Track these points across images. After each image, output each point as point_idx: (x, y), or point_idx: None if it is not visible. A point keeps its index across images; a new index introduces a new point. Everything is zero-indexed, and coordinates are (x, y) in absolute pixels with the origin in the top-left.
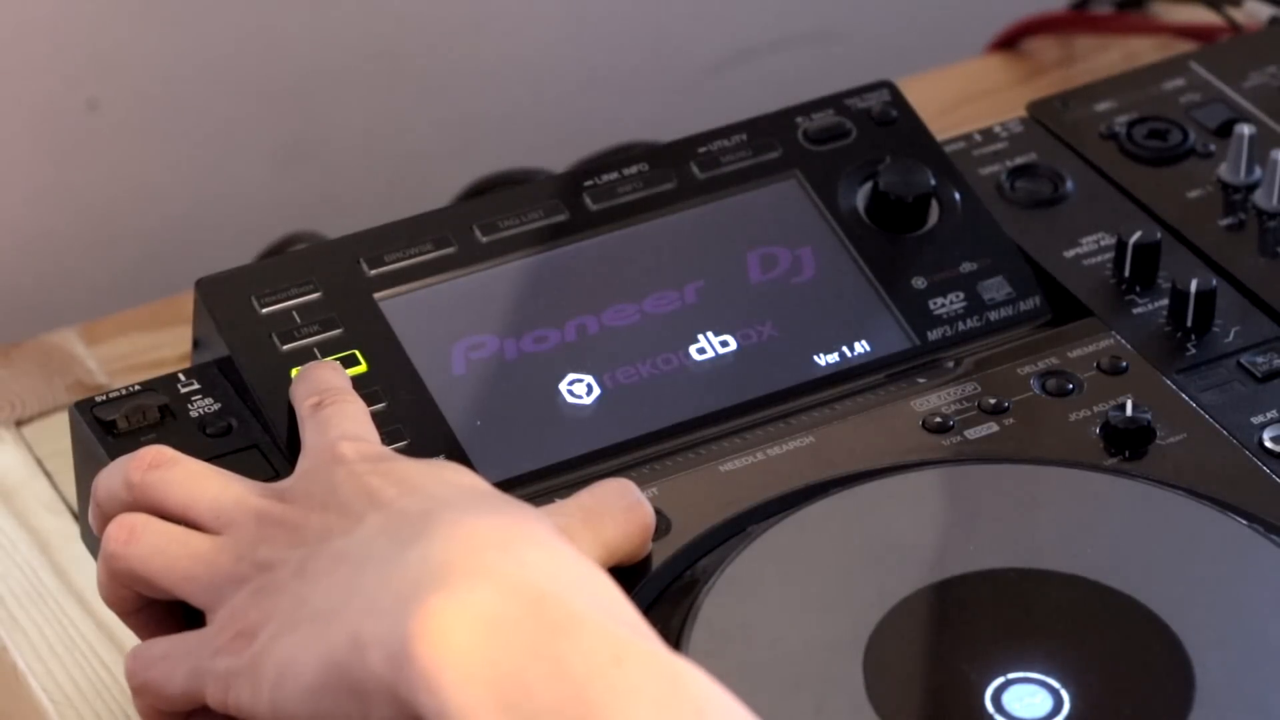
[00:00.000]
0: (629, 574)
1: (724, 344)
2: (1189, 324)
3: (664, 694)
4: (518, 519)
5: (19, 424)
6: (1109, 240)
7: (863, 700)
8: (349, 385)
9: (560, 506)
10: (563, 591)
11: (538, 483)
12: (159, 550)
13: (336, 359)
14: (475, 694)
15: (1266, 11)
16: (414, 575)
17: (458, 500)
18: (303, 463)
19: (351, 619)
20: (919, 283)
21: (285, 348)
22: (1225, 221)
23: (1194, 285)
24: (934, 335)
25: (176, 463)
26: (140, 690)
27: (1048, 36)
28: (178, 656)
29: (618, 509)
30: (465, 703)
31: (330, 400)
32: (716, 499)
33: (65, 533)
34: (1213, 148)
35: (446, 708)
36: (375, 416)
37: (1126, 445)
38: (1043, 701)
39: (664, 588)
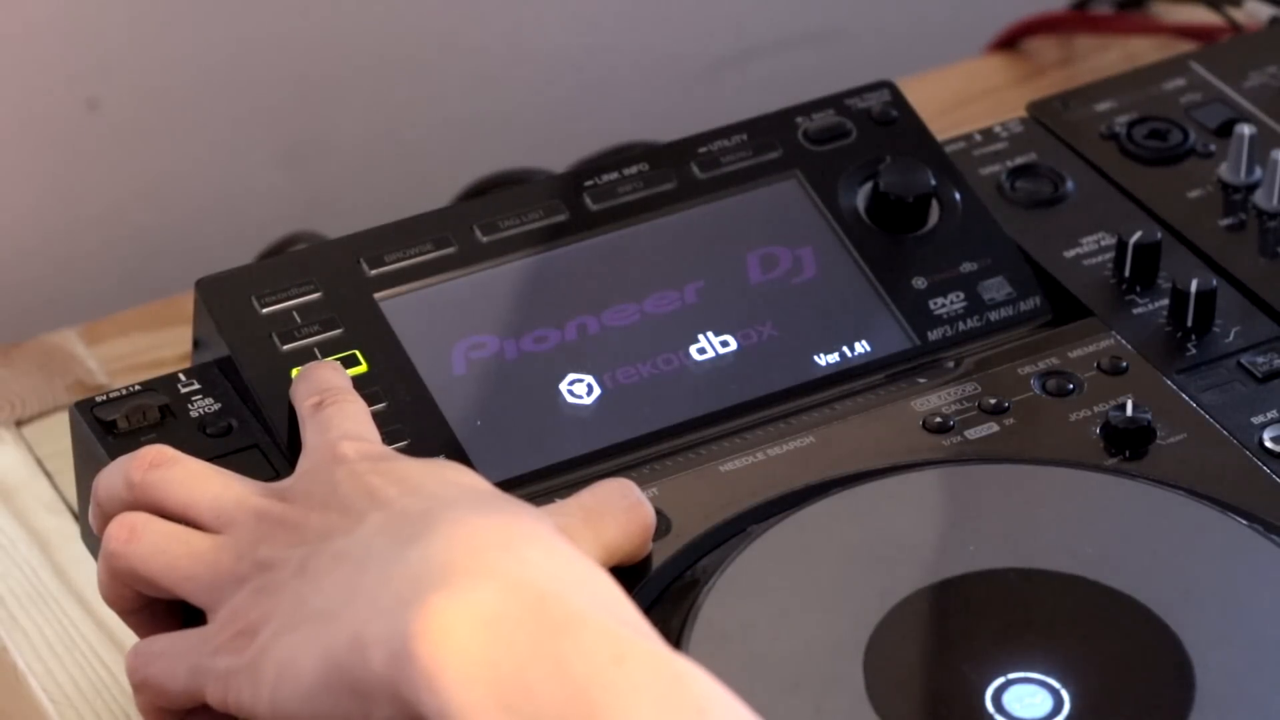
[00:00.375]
0: (629, 574)
1: (724, 344)
2: (1189, 324)
3: (666, 693)
4: (519, 518)
5: (19, 424)
6: (1109, 240)
7: (863, 700)
8: (350, 385)
9: (561, 506)
10: (564, 591)
11: (538, 483)
12: (160, 549)
13: (336, 359)
14: (476, 693)
15: (1266, 11)
16: (415, 574)
17: (459, 499)
18: (303, 462)
19: (353, 618)
20: (919, 283)
21: (285, 348)
22: (1225, 221)
23: (1194, 285)
24: (934, 335)
25: (177, 462)
26: (141, 687)
27: (1048, 36)
28: (178, 654)
29: (618, 509)
30: (466, 702)
31: (331, 400)
32: (716, 499)
33: (65, 533)
34: (1213, 148)
35: (448, 707)
36: (375, 416)
37: (1126, 445)
38: (1043, 701)
39: (664, 588)
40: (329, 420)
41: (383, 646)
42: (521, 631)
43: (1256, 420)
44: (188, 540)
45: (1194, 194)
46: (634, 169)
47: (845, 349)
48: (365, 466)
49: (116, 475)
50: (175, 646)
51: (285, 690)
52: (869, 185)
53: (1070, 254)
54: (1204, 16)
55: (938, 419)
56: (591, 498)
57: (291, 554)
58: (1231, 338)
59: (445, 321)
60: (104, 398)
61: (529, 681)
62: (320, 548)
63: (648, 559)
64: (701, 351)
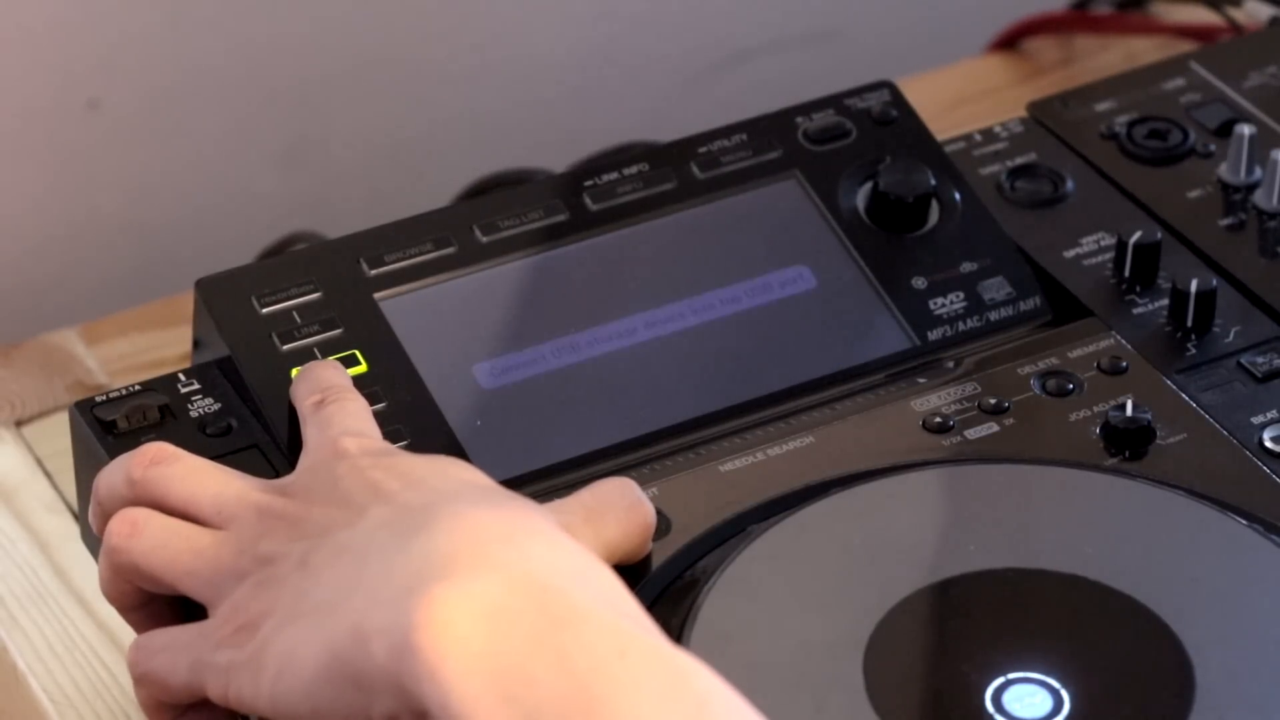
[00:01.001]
0: (629, 573)
1: (724, 344)
2: (1189, 324)
3: (667, 687)
4: (522, 512)
5: (19, 424)
6: (1109, 240)
7: (863, 700)
8: (350, 383)
9: (562, 504)
10: (566, 584)
11: (538, 483)
12: (161, 544)
13: (336, 359)
14: (478, 684)
15: (1266, 11)
16: (417, 566)
17: (461, 494)
18: (304, 459)
19: (354, 610)
20: (919, 283)
21: (285, 348)
22: (1225, 221)
23: (1194, 285)
24: (934, 335)
25: (178, 459)
26: (142, 681)
27: (1048, 36)
28: (180, 648)
29: (619, 507)
30: (468, 693)
31: (332, 398)
32: (716, 499)
33: (65, 533)
34: (1213, 148)
35: (449, 698)
36: (375, 416)
37: (1126, 445)
38: (1043, 701)
39: (664, 588)
40: (330, 417)
41: (384, 637)
42: (524, 624)
43: (1256, 420)
44: (189, 535)
45: (1194, 194)
46: (634, 169)
47: (845, 349)
48: (367, 461)
49: (118, 473)
50: (177, 641)
51: (286, 683)
52: (869, 185)
53: (1070, 254)
54: (1204, 16)
55: (938, 419)
56: (592, 496)
57: (292, 548)
58: (1231, 338)
59: (445, 321)
60: (104, 398)
61: (531, 673)
62: (321, 541)
63: (647, 559)
64: (701, 351)
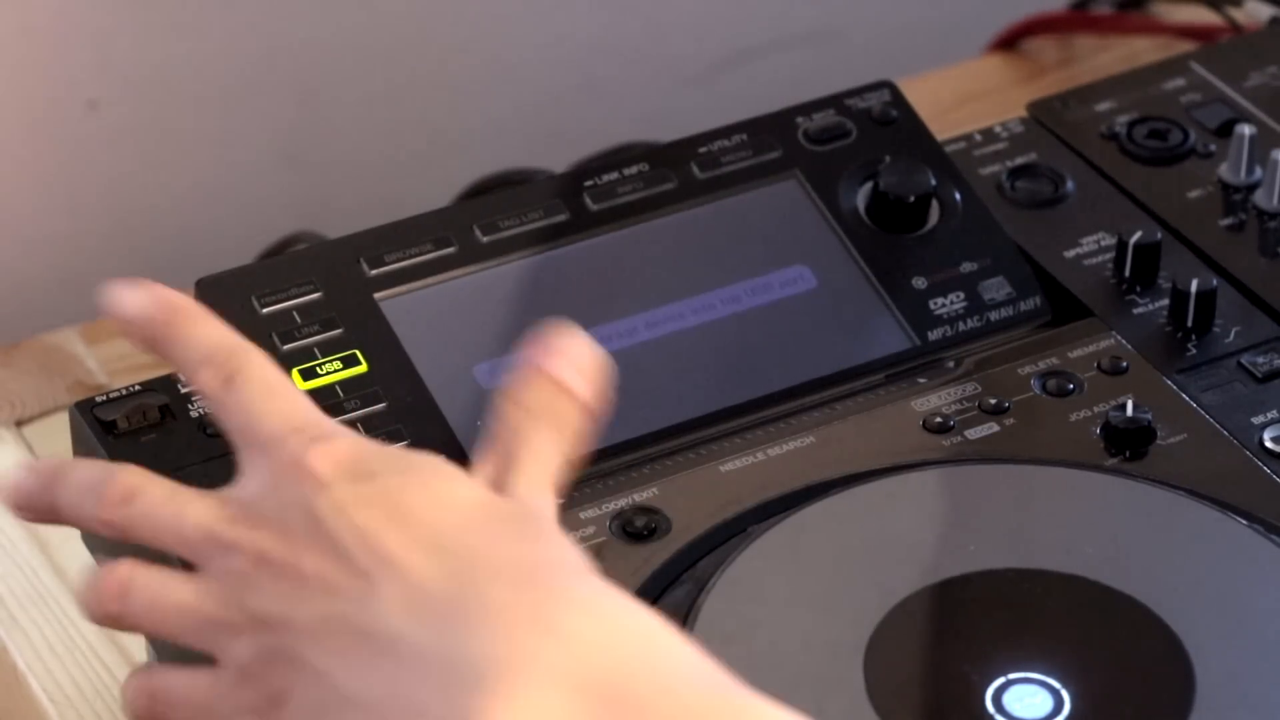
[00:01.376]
0: (630, 575)
1: (724, 344)
2: (1189, 324)
3: None
4: (547, 574)
5: (19, 424)
6: (1109, 240)
7: (863, 700)
8: (241, 339)
9: (476, 468)
10: (624, 668)
11: None
12: (150, 606)
13: (336, 359)
14: None
15: (1266, 11)
16: (461, 676)
17: (476, 559)
18: (255, 471)
19: None
20: (919, 283)
21: (285, 348)
22: (1225, 221)
23: (1194, 285)
24: (934, 335)
25: (136, 495)
26: None
27: (1048, 36)
28: (194, 705)
29: (544, 435)
30: None
31: (236, 367)
32: (716, 499)
33: (65, 533)
34: (1213, 148)
35: None
36: (375, 416)
37: (1127, 445)
38: (1043, 701)
39: (664, 588)
40: (250, 404)
41: None
42: None
43: (1256, 420)
44: (173, 590)
45: (1194, 194)
46: (634, 169)
47: (845, 349)
48: (348, 495)
49: (89, 511)
50: (190, 695)
51: None
52: (869, 185)
53: (1070, 254)
54: (1204, 16)
55: (938, 419)
56: (504, 442)
57: (292, 613)
58: (1231, 338)
59: (445, 321)
60: (104, 398)
61: None
62: (331, 618)
63: (648, 559)
64: (701, 351)
